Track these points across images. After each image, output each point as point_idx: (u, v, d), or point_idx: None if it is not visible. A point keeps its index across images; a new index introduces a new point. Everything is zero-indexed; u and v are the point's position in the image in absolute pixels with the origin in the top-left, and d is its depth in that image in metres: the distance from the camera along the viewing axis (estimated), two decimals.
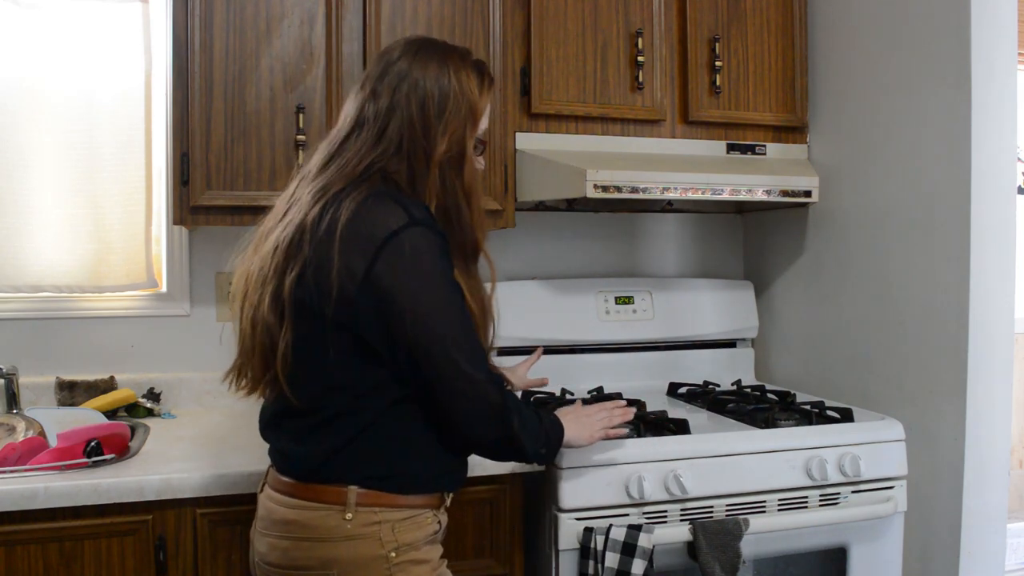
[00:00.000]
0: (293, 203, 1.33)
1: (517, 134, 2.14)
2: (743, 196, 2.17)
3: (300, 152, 1.93)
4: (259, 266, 1.31)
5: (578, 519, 1.75)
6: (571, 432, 1.52)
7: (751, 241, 2.72)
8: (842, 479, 1.91)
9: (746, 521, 1.79)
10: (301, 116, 1.94)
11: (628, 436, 1.86)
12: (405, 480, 1.31)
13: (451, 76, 1.33)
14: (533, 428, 1.38)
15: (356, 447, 1.28)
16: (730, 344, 2.61)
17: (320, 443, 1.29)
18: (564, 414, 1.55)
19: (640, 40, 2.20)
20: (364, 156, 1.30)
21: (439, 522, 1.37)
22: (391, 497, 1.29)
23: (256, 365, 1.32)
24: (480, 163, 1.43)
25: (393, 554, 1.27)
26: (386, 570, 1.26)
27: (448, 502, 1.43)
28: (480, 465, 1.70)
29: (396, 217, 1.24)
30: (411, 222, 1.24)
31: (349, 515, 1.26)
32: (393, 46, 1.38)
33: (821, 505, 1.91)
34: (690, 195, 2.12)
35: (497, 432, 1.31)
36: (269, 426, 1.38)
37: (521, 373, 1.95)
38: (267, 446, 1.40)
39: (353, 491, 1.27)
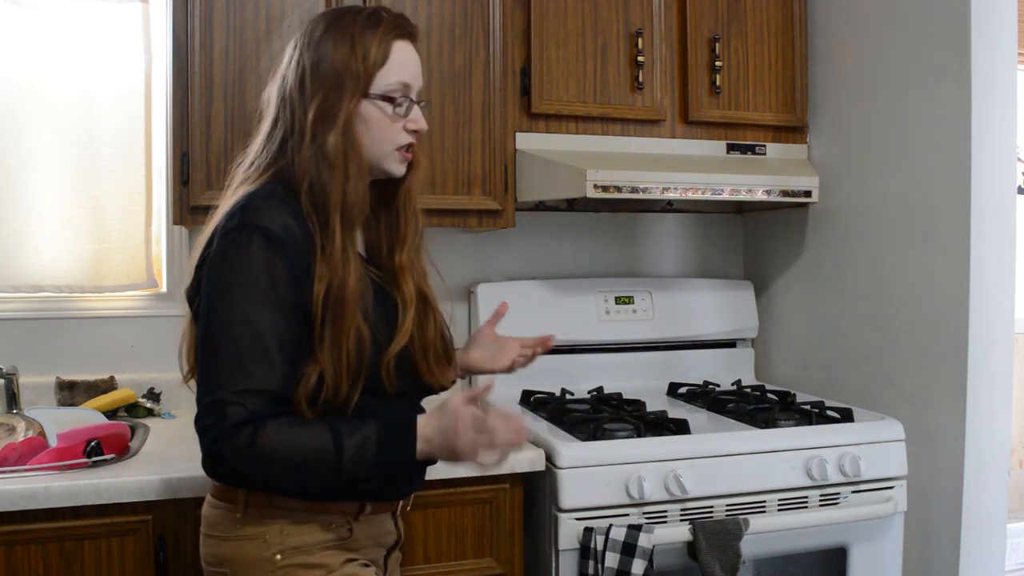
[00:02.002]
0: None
1: (517, 134, 2.14)
2: (743, 196, 2.17)
3: None
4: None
5: (578, 519, 1.75)
6: (439, 451, 1.23)
7: (751, 241, 2.72)
8: (842, 479, 1.91)
9: (746, 521, 1.80)
10: None
11: (628, 436, 1.86)
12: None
13: (329, 41, 1.25)
14: (287, 464, 1.16)
15: None
16: (730, 344, 2.61)
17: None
18: (427, 425, 1.22)
19: (640, 40, 2.20)
20: (260, 152, 1.30)
21: (350, 529, 1.28)
22: (281, 499, 1.23)
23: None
24: (412, 124, 1.31)
25: (279, 556, 1.22)
26: (270, 572, 1.22)
27: (408, 507, 1.39)
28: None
29: (232, 220, 1.20)
30: (240, 224, 1.18)
31: (239, 515, 1.24)
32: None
33: (821, 505, 1.91)
34: (690, 195, 2.12)
35: (208, 454, 1.17)
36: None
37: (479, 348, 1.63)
38: None
39: (241, 492, 1.23)
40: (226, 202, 1.28)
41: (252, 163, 1.31)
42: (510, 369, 1.61)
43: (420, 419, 1.23)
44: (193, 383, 1.25)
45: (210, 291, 1.19)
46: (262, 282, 1.16)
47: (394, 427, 1.21)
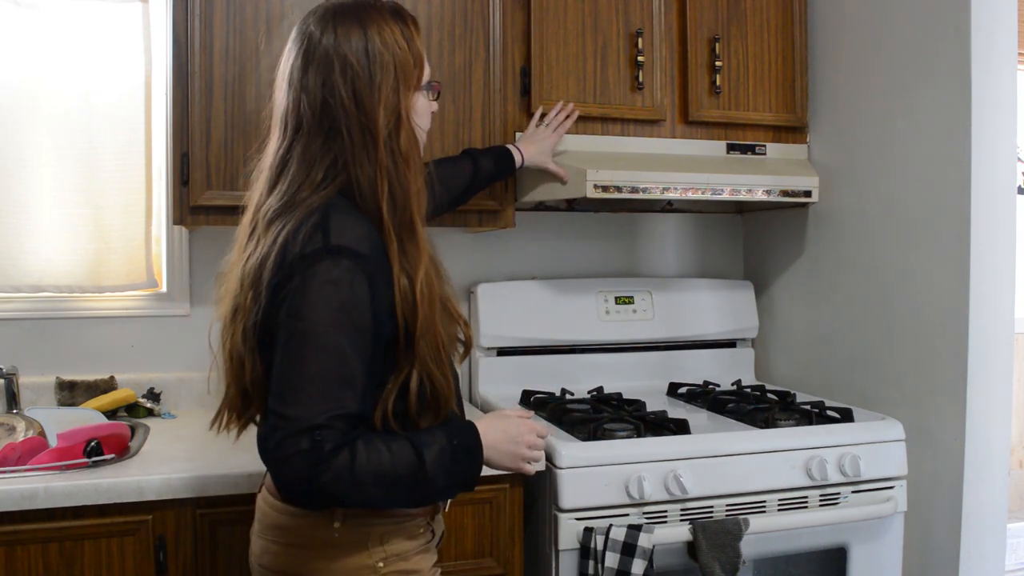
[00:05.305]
0: (252, 234, 1.27)
1: (517, 134, 2.14)
2: (743, 196, 2.17)
3: None
4: (231, 305, 1.27)
5: (578, 519, 1.75)
6: (494, 459, 1.32)
7: (751, 241, 2.72)
8: (842, 479, 1.91)
9: (746, 521, 1.80)
10: None
11: (628, 436, 1.86)
12: None
13: (375, 39, 1.24)
14: (380, 481, 1.17)
15: None
16: (730, 344, 2.61)
17: None
18: (489, 429, 1.31)
19: (640, 40, 2.20)
20: (315, 166, 1.23)
21: (432, 531, 1.35)
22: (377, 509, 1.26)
23: (237, 399, 1.30)
24: (434, 107, 1.37)
25: (381, 564, 1.24)
26: None
27: (446, 508, 1.41)
28: None
29: (314, 242, 1.17)
30: (324, 249, 1.16)
31: (337, 524, 1.24)
32: (309, 22, 1.27)
33: (821, 505, 1.91)
34: (690, 195, 2.12)
35: (302, 479, 1.14)
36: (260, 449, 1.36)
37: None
38: None
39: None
40: (283, 225, 1.21)
41: (300, 182, 1.24)
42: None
43: (479, 426, 1.29)
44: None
45: (297, 317, 1.16)
46: (349, 306, 1.16)
47: (461, 434, 1.26)
